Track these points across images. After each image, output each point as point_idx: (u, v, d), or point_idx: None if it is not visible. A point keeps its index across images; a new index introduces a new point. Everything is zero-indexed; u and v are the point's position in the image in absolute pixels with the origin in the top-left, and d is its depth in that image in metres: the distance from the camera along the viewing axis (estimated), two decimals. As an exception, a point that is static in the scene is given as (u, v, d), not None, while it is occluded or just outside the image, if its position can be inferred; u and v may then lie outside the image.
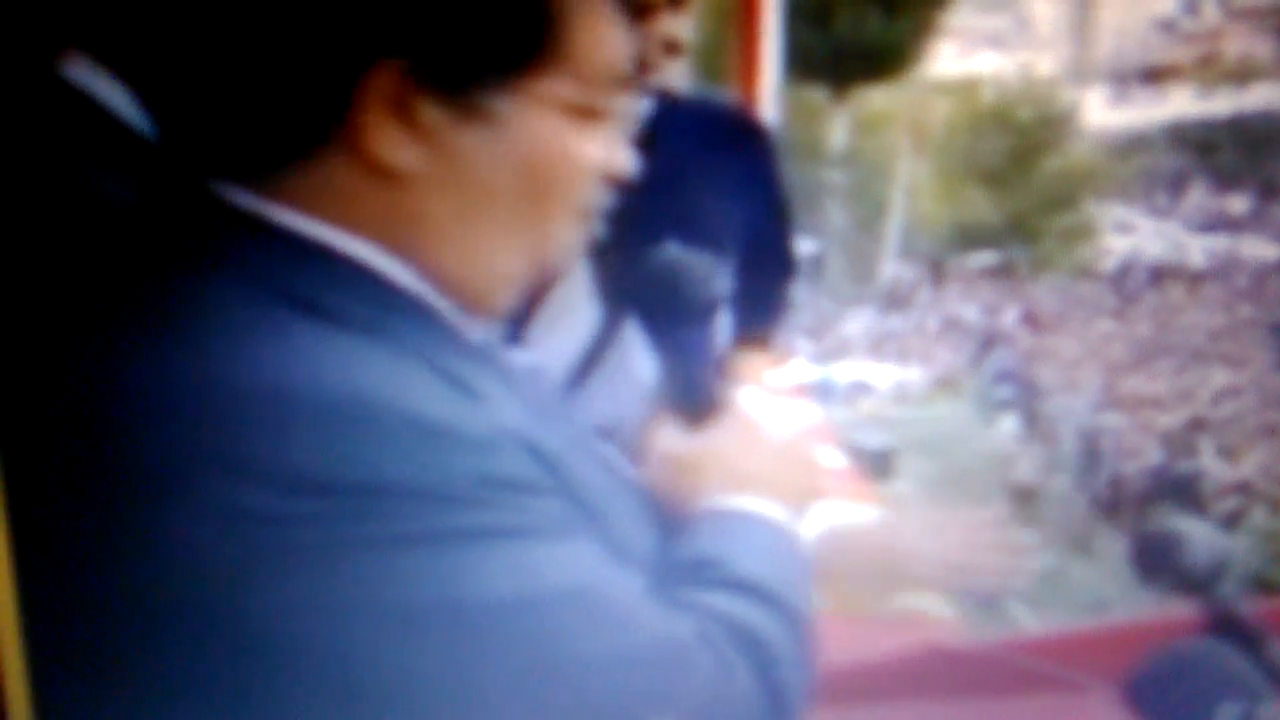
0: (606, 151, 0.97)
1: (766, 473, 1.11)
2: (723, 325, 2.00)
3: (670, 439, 1.13)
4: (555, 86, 0.91)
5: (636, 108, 1.04)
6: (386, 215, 0.88)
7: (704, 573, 0.98)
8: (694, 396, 1.14)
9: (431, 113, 0.86)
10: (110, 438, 0.78)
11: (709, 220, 1.90)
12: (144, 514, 0.76)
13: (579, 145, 0.94)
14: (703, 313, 1.17)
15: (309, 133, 0.87)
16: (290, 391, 0.78)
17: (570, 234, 0.98)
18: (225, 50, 0.86)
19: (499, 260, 0.95)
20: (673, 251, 1.17)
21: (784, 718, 0.94)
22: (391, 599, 0.78)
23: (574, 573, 0.86)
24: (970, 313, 25.31)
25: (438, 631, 0.79)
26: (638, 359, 1.73)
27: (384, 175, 0.86)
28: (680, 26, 1.91)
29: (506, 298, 0.98)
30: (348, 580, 0.77)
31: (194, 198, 0.89)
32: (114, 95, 1.57)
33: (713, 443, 1.12)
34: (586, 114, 0.94)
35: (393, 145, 0.85)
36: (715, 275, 1.17)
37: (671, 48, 1.90)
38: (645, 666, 0.88)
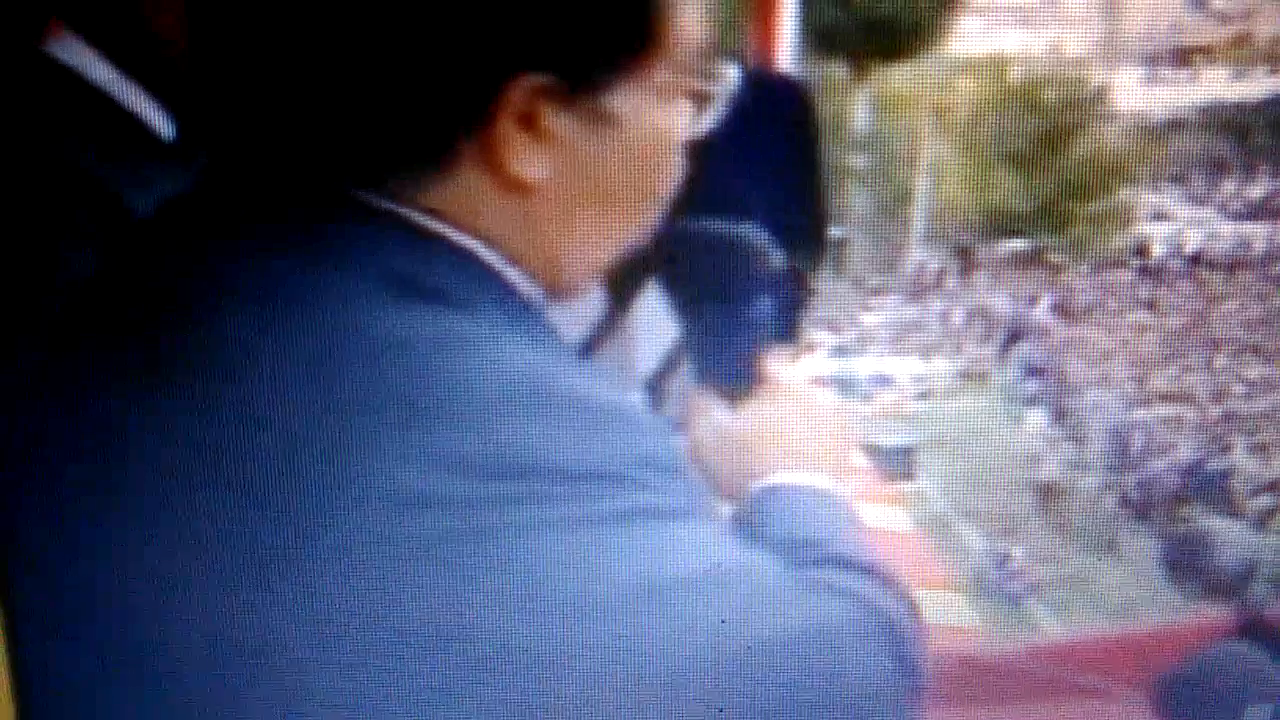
0: (693, 127, 1.01)
1: (817, 445, 1.14)
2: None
3: (718, 414, 1.16)
4: (661, 74, 0.94)
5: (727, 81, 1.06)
6: (504, 218, 0.90)
7: (808, 553, 0.99)
8: (737, 371, 1.16)
9: (558, 122, 0.88)
10: (284, 434, 0.80)
11: (737, 192, 1.91)
12: (324, 507, 0.78)
13: (675, 126, 0.98)
14: (760, 288, 1.19)
15: (443, 144, 0.89)
16: (459, 379, 0.81)
17: (657, 212, 1.01)
18: (369, 59, 0.88)
19: (601, 251, 0.98)
20: (728, 226, 1.19)
21: (914, 696, 0.95)
22: (562, 580, 0.79)
23: (728, 553, 0.89)
24: (999, 302, 25.25)
25: (614, 611, 0.81)
26: (640, 341, 1.75)
27: (510, 184, 0.89)
28: None
29: (591, 282, 1.02)
30: (524, 561, 0.78)
31: (313, 193, 0.90)
32: (101, 71, 1.61)
33: (764, 417, 1.15)
34: (682, 95, 0.97)
35: (522, 157, 0.87)
36: (772, 250, 1.19)
37: None
38: (808, 646, 0.88)
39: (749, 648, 0.84)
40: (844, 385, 17.86)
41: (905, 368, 20.69)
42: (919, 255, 28.26)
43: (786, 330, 1.96)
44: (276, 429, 0.81)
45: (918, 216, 28.40)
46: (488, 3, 0.86)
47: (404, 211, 0.89)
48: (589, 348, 1.84)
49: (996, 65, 29.82)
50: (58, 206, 1.50)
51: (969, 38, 29.33)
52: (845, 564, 0.98)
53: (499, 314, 0.89)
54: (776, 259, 1.22)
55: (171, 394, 0.84)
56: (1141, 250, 28.14)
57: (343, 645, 0.78)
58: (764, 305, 1.21)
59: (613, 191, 0.95)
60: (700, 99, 1.01)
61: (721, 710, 0.83)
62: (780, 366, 1.20)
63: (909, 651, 0.94)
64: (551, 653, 0.78)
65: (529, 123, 0.87)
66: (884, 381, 19.62)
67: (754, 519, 1.07)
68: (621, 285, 1.36)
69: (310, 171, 0.89)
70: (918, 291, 26.82)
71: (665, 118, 0.96)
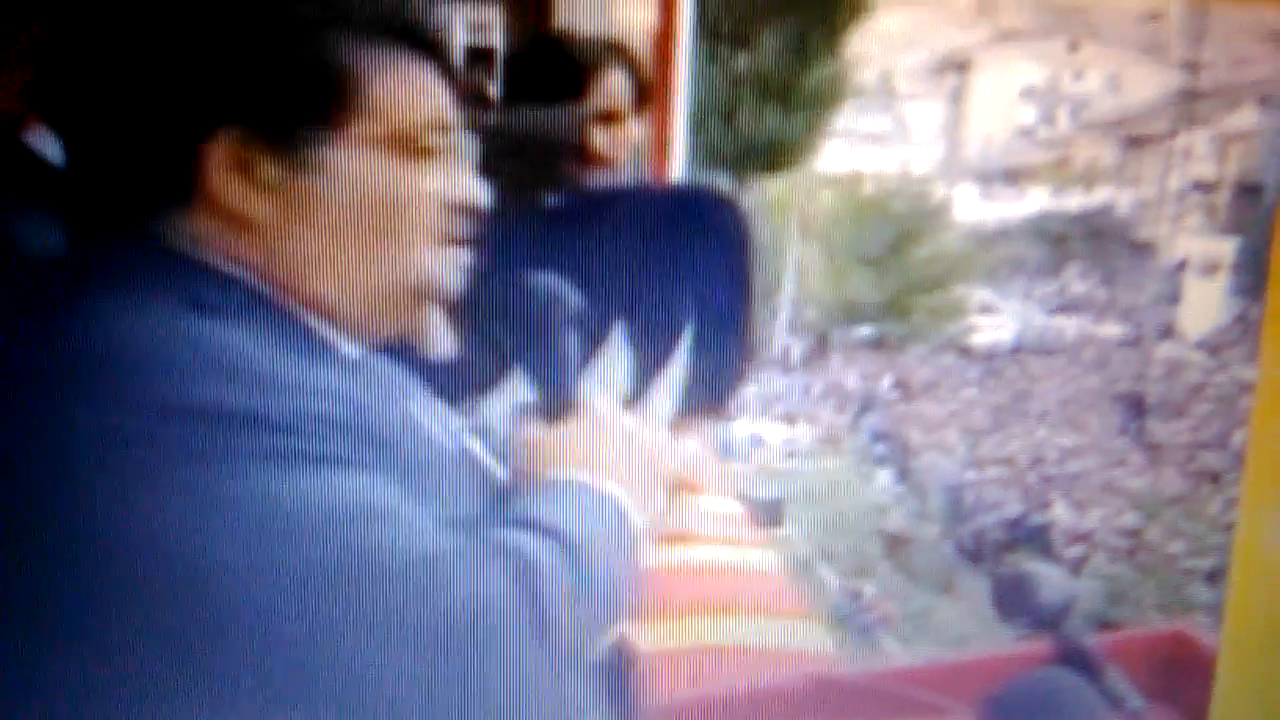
0: (449, 184, 1.05)
1: (609, 457, 1.16)
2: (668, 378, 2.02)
3: (533, 430, 1.20)
4: (364, 130, 0.99)
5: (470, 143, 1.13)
6: (247, 246, 0.98)
7: (508, 515, 1.05)
8: (557, 399, 1.21)
9: (269, 168, 0.96)
10: (50, 393, 0.89)
11: (667, 295, 1.93)
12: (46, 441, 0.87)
13: (408, 179, 1.02)
14: (567, 326, 1.25)
15: (176, 188, 0.97)
16: (159, 347, 0.89)
17: (438, 260, 1.06)
18: (103, 124, 0.98)
19: (365, 286, 1.04)
20: (536, 275, 1.26)
21: (547, 630, 0.98)
22: (227, 503, 0.86)
23: (373, 498, 0.94)
24: (850, 379, 25.49)
25: (265, 529, 0.87)
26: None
27: (241, 221, 0.96)
28: (616, 136, 2.01)
29: (390, 321, 1.07)
30: (200, 486, 0.86)
31: (125, 232, 0.99)
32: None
33: (565, 431, 1.19)
34: (407, 150, 1.02)
35: (240, 197, 0.96)
36: (570, 298, 1.25)
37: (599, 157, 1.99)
38: (424, 571, 0.93)
39: (374, 573, 0.90)
40: (725, 447, 17.93)
41: (774, 432, 20.81)
42: (784, 339, 28.46)
43: (720, 404, 1.99)
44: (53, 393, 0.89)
45: (784, 306, 28.61)
46: (189, 69, 0.96)
47: (182, 241, 0.99)
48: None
49: (854, 180, 30.19)
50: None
51: (832, 157, 29.70)
52: (525, 524, 1.03)
53: (241, 313, 0.97)
54: (575, 303, 1.28)
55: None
56: (971, 337, 28.52)
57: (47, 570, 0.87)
58: (572, 341, 1.27)
59: (346, 230, 1.02)
60: (422, 154, 1.06)
61: (350, 621, 0.89)
62: (595, 399, 1.26)
63: (544, 593, 0.98)
64: (213, 560, 0.86)
65: (244, 168, 0.94)
66: (757, 443, 19.72)
67: (515, 498, 1.11)
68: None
69: (114, 215, 1.00)
70: (784, 369, 26.99)
71: (385, 168, 1.02)
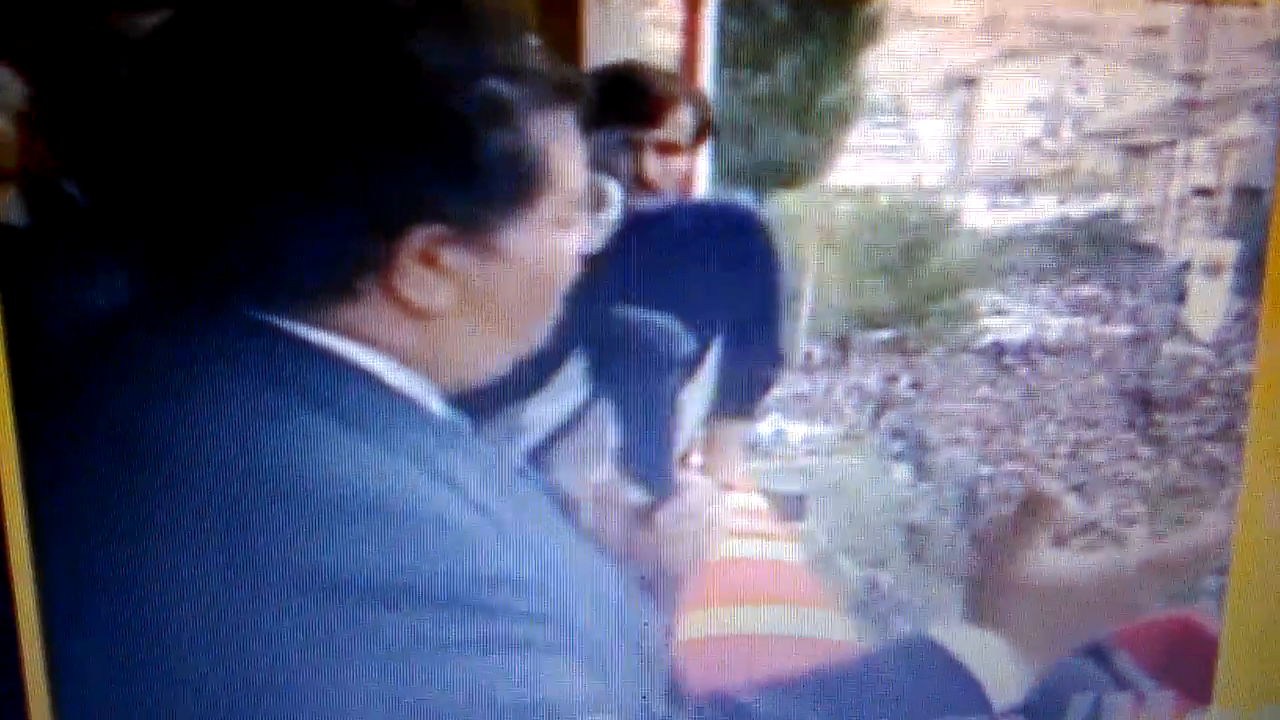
0: (578, 238, 1.02)
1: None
2: (693, 401, 2.03)
3: (632, 497, 1.18)
4: (545, 209, 0.95)
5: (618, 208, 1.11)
6: (412, 338, 0.92)
7: None
8: (653, 473, 1.18)
9: (456, 257, 0.90)
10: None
11: (696, 306, 1.94)
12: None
13: (563, 245, 0.98)
14: (671, 367, 1.21)
15: (354, 281, 0.93)
16: (334, 497, 0.81)
17: (549, 316, 1.02)
18: (290, 216, 0.91)
19: (503, 353, 1.00)
20: (634, 312, 1.21)
21: None
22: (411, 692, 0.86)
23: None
24: (870, 380, 25.48)
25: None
26: (608, 435, 1.75)
27: (415, 313, 0.91)
28: (669, 166, 2.02)
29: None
30: (367, 665, 0.80)
31: (249, 327, 0.92)
32: None
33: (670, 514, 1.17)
34: (568, 222, 0.98)
35: (422, 290, 0.90)
36: (676, 333, 1.21)
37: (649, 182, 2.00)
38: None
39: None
40: (750, 444, 17.93)
41: (797, 430, 20.79)
42: (806, 343, 28.46)
43: (748, 409, 1.99)
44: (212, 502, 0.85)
45: (805, 313, 28.59)
46: (385, 169, 0.89)
47: (319, 334, 0.92)
48: (564, 431, 1.83)
49: (869, 193, 30.11)
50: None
51: (847, 171, 29.65)
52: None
53: (379, 421, 0.91)
54: (685, 343, 1.26)
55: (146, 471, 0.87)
56: (984, 339, 28.45)
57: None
58: (675, 379, 1.24)
59: (506, 310, 0.98)
60: (572, 221, 1.03)
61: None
62: (694, 477, 1.24)
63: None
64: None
65: (430, 261, 0.89)
66: (781, 439, 19.69)
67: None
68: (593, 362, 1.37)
69: (244, 302, 0.91)
70: (806, 371, 26.97)
71: (553, 241, 0.99)
